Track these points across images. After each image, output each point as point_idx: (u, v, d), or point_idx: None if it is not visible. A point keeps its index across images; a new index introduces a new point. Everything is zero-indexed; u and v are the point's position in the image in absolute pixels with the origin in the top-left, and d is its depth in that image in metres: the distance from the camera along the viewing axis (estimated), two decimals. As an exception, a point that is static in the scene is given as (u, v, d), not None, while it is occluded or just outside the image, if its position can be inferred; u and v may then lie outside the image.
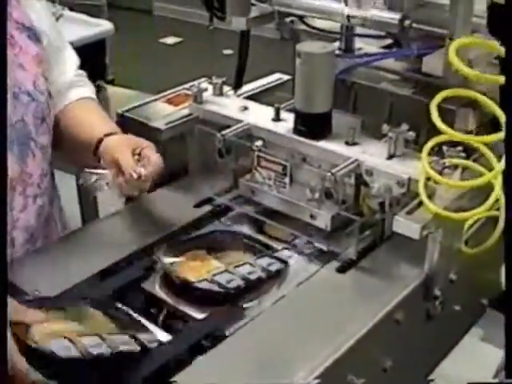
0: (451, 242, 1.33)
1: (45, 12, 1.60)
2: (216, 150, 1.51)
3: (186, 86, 1.77)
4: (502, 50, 1.21)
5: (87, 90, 1.71)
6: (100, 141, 1.52)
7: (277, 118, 1.55)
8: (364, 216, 1.42)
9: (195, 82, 1.73)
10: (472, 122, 1.45)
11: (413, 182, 1.34)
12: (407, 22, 1.43)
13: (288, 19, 1.73)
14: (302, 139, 1.48)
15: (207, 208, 1.59)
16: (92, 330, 1.23)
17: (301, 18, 1.70)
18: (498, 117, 1.26)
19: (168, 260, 1.40)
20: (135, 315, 1.31)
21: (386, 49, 1.81)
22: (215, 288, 1.33)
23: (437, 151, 1.34)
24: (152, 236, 1.49)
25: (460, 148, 1.34)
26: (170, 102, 1.76)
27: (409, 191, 1.35)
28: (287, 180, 1.47)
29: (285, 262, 1.41)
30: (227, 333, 1.24)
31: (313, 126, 1.48)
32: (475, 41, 1.35)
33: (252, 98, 1.75)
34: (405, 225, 1.27)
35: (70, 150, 1.64)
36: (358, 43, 1.90)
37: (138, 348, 1.21)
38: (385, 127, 1.41)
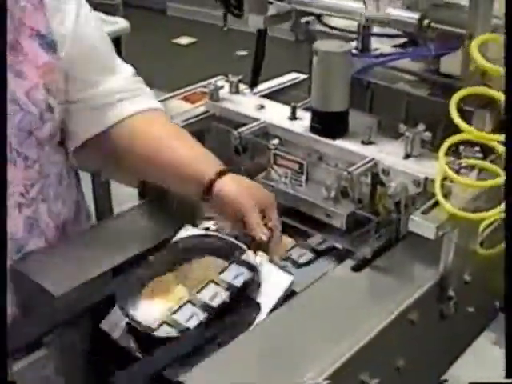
0: (466, 242, 1.33)
1: (76, 17, 1.50)
2: (232, 148, 1.52)
3: (203, 83, 1.77)
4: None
5: (154, 102, 1.62)
6: (213, 180, 1.41)
7: (293, 117, 1.56)
8: (379, 215, 1.42)
9: (212, 80, 1.73)
10: (489, 123, 1.44)
11: (429, 182, 1.34)
12: (426, 22, 1.43)
13: (304, 20, 1.73)
14: (318, 138, 1.48)
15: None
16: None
17: (318, 17, 1.70)
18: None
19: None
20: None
21: (400, 48, 1.81)
22: (173, 334, 1.25)
23: (453, 151, 1.34)
24: (168, 232, 1.49)
25: (477, 148, 1.34)
26: (186, 99, 1.76)
27: (425, 191, 1.35)
28: (303, 178, 1.47)
29: (252, 267, 1.34)
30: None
31: (329, 124, 1.48)
32: (497, 37, 1.34)
33: (268, 96, 1.75)
34: (420, 224, 1.27)
35: (145, 172, 1.56)
36: (375, 43, 1.90)
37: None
38: (402, 127, 1.41)
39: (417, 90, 1.65)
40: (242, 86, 1.71)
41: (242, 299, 1.30)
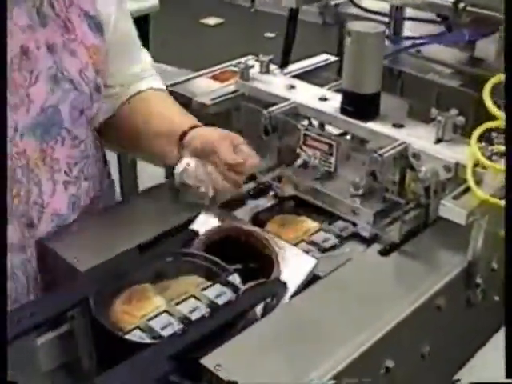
0: (496, 230, 1.32)
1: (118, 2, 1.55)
2: (261, 128, 1.51)
3: (233, 62, 1.76)
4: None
5: (159, 83, 1.68)
6: (185, 132, 1.50)
7: (324, 98, 1.54)
8: (408, 200, 1.41)
9: (242, 59, 1.73)
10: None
11: (460, 168, 1.32)
12: (461, 5, 1.41)
13: (333, 2, 1.72)
14: (349, 119, 1.47)
15: (250, 185, 1.58)
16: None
17: (351, -1, 1.69)
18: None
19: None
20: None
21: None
22: (146, 340, 1.20)
23: (485, 138, 1.33)
24: (194, 211, 1.49)
25: (510, 135, 1.32)
26: (215, 78, 1.76)
27: (455, 177, 1.34)
28: (333, 160, 1.46)
29: (236, 289, 1.28)
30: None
31: (360, 106, 1.47)
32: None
33: (298, 77, 1.74)
34: (451, 210, 1.25)
35: (141, 141, 1.60)
36: (406, 32, 1.89)
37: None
38: (433, 111, 1.40)
39: (448, 80, 1.63)
40: (272, 66, 1.70)
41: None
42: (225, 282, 1.29)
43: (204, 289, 1.28)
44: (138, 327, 1.21)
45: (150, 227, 1.45)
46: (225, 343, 1.13)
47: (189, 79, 1.75)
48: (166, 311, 1.23)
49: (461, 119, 1.38)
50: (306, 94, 1.57)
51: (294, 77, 1.72)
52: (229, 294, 1.27)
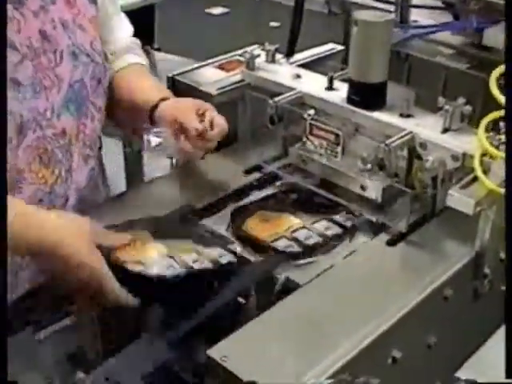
0: (503, 220, 1.31)
1: None
2: (267, 117, 1.50)
3: (239, 52, 1.75)
4: None
5: (140, 57, 1.70)
6: (156, 105, 1.52)
7: (330, 87, 1.53)
8: (415, 189, 1.40)
9: (248, 49, 1.71)
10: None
11: (467, 157, 1.31)
12: (470, -7, 1.40)
13: (340, -10, 1.71)
14: (355, 109, 1.46)
15: (256, 175, 1.58)
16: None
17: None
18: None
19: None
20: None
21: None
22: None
23: (492, 128, 1.32)
24: (199, 201, 1.48)
25: (518, 124, 1.31)
26: (221, 67, 1.75)
27: (462, 166, 1.33)
28: (339, 149, 1.45)
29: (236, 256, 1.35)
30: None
31: (367, 96, 1.46)
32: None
33: (304, 66, 1.73)
34: (459, 199, 1.25)
35: (120, 114, 1.63)
36: (413, 16, 1.88)
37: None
38: (441, 100, 1.39)
39: (455, 63, 1.62)
40: (277, 56, 1.69)
41: None
42: (227, 248, 1.33)
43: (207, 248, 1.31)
44: (139, 262, 1.24)
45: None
46: (231, 335, 1.13)
47: (194, 69, 1.74)
48: (170, 256, 1.26)
49: (468, 108, 1.37)
50: (312, 84, 1.57)
51: (299, 66, 1.71)
52: (230, 257, 1.30)
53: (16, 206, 1.18)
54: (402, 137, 1.37)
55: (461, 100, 1.37)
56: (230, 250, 1.32)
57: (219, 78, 1.69)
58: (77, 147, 1.46)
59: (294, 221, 1.42)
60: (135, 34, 1.72)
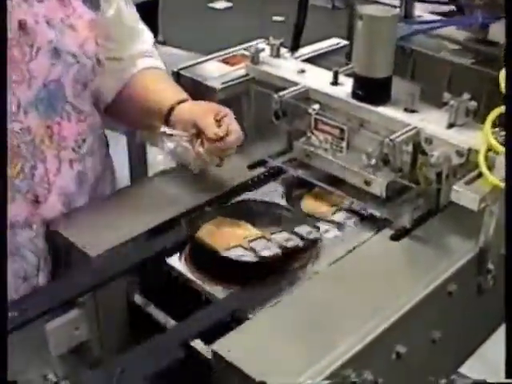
0: (507, 215, 1.31)
1: None
2: (272, 112, 1.50)
3: (243, 46, 1.75)
4: None
5: (158, 61, 1.68)
6: (172, 107, 1.50)
7: (335, 82, 1.53)
8: (420, 185, 1.40)
9: (252, 43, 1.71)
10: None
11: (472, 153, 1.31)
12: (475, -13, 1.40)
13: (343, -14, 1.71)
14: (360, 104, 1.46)
15: (260, 170, 1.58)
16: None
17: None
18: None
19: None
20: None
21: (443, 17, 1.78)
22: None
23: (498, 123, 1.31)
24: (204, 196, 1.48)
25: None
26: (225, 62, 1.74)
27: (468, 162, 1.33)
28: (344, 144, 1.45)
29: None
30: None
31: (372, 91, 1.45)
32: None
33: (309, 61, 1.72)
34: (464, 195, 1.25)
35: (137, 116, 1.61)
36: (417, 11, 1.87)
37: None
38: (446, 95, 1.39)
39: (460, 59, 1.61)
40: (282, 50, 1.68)
41: None
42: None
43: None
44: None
45: (159, 212, 1.45)
46: (236, 328, 1.13)
47: (199, 63, 1.74)
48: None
49: (473, 104, 1.37)
50: (317, 78, 1.56)
51: (304, 61, 1.70)
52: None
53: None
54: (406, 132, 1.37)
55: (466, 95, 1.37)
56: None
57: (224, 73, 1.68)
58: (50, 149, 1.43)
59: (252, 230, 1.38)
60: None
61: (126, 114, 1.63)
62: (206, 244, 1.34)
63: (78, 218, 1.46)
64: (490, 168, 1.25)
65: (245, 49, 1.72)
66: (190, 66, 1.72)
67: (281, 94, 1.49)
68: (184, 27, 5.73)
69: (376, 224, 1.41)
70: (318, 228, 1.40)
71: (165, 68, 1.68)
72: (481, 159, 1.25)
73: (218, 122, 1.44)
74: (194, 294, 1.30)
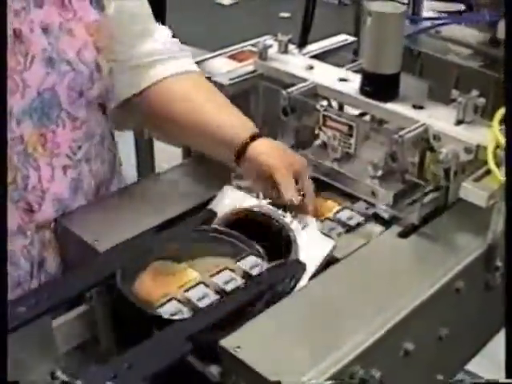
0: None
1: None
2: (280, 108, 1.50)
3: (251, 42, 1.75)
4: None
5: (190, 62, 1.59)
6: (245, 144, 1.40)
7: (343, 78, 1.53)
8: (428, 181, 1.40)
9: (260, 39, 1.71)
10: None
11: (481, 150, 1.31)
12: (483, -15, 1.40)
13: (351, -19, 1.71)
14: (368, 100, 1.46)
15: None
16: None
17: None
18: None
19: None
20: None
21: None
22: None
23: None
24: (213, 191, 1.48)
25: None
26: (233, 58, 1.74)
27: (476, 159, 1.33)
28: (353, 141, 1.45)
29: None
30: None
31: (380, 87, 1.45)
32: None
33: (317, 57, 1.72)
34: (472, 192, 1.25)
35: (184, 139, 1.57)
36: (425, 10, 1.87)
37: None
38: (454, 92, 1.39)
39: (468, 61, 1.61)
40: (290, 46, 1.68)
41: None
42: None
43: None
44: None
45: (167, 209, 1.45)
46: (244, 325, 1.13)
47: (206, 59, 1.74)
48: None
49: (482, 100, 1.37)
50: (325, 75, 1.56)
51: (312, 57, 1.70)
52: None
53: None
54: (415, 129, 1.37)
55: (474, 92, 1.37)
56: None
57: (231, 69, 1.68)
58: (43, 156, 1.41)
59: (190, 274, 1.25)
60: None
61: (157, 122, 1.56)
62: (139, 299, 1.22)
63: (86, 214, 1.46)
64: (499, 165, 1.25)
65: (252, 45, 1.72)
66: (198, 62, 1.71)
67: (289, 90, 1.49)
68: (191, 23, 5.73)
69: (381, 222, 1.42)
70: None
71: (197, 69, 1.60)
72: (489, 156, 1.25)
73: (296, 182, 1.37)
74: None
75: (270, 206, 1.40)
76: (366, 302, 1.20)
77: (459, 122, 1.37)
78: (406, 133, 1.34)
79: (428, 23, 1.82)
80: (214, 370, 1.14)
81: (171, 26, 1.63)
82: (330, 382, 1.04)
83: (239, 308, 1.18)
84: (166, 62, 1.55)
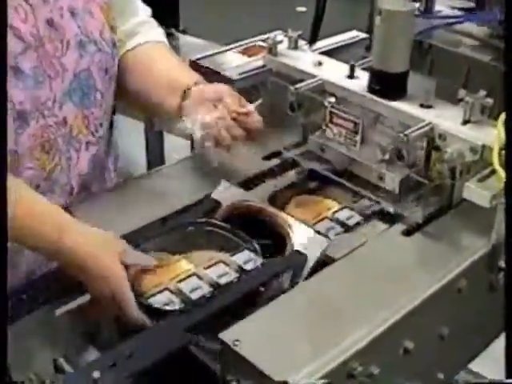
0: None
1: None
2: (288, 104, 1.50)
3: (261, 37, 1.75)
4: None
5: (156, 33, 1.68)
6: (190, 87, 1.50)
7: (351, 76, 1.53)
8: (433, 180, 1.40)
9: (271, 34, 1.71)
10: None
11: (486, 150, 1.31)
12: (494, -17, 1.39)
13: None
14: (376, 98, 1.45)
15: (275, 161, 1.58)
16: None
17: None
18: None
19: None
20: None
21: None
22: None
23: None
24: (215, 185, 1.48)
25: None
26: (243, 52, 1.75)
27: (481, 159, 1.32)
28: (358, 138, 1.45)
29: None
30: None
31: (388, 85, 1.45)
32: None
33: (327, 53, 1.72)
34: (476, 192, 1.25)
35: (141, 96, 1.61)
36: (438, 6, 1.86)
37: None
38: (461, 92, 1.38)
39: (479, 54, 1.60)
40: (300, 42, 1.68)
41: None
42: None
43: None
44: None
45: (172, 201, 1.46)
46: (244, 319, 1.13)
47: (217, 53, 1.74)
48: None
49: (489, 100, 1.36)
50: (334, 71, 1.56)
51: (322, 53, 1.70)
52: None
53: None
54: (421, 127, 1.36)
55: (482, 92, 1.37)
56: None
57: (241, 63, 1.69)
58: (81, 135, 1.46)
59: (184, 266, 1.28)
60: (160, 16, 1.72)
61: (128, 94, 1.62)
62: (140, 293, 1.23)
63: (93, 204, 1.47)
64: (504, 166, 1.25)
65: (263, 40, 1.72)
66: (208, 55, 1.72)
67: (297, 86, 1.49)
68: (206, 17, 5.72)
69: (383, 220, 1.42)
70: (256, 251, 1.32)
71: (165, 39, 1.69)
72: (494, 156, 1.24)
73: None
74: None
75: (264, 204, 1.43)
76: (367, 299, 1.20)
77: (466, 122, 1.37)
78: (412, 131, 1.34)
79: (440, 21, 1.81)
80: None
81: (185, 18, 1.64)
82: (323, 381, 1.04)
83: (241, 299, 1.20)
84: (138, 35, 1.63)
